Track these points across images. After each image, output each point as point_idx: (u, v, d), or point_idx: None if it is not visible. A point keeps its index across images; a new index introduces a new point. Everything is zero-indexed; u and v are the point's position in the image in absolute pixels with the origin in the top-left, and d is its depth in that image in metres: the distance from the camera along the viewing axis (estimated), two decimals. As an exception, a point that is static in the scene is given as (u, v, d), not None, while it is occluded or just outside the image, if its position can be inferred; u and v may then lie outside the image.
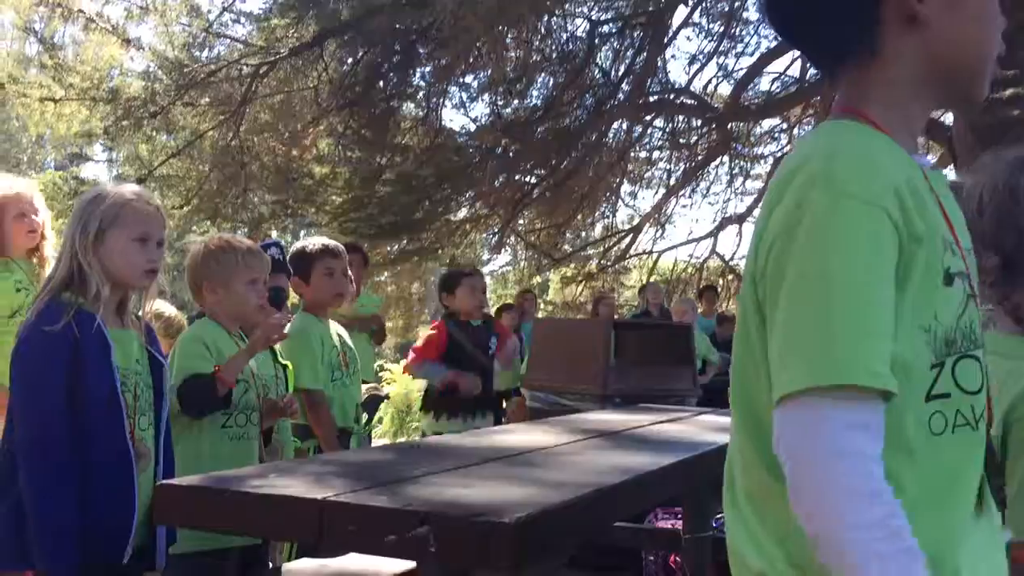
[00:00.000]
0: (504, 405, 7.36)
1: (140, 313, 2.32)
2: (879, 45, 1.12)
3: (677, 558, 3.70)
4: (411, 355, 4.57)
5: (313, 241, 3.63)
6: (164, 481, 1.81)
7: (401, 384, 10.37)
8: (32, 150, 28.53)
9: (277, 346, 2.91)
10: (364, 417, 3.48)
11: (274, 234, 10.60)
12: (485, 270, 16.27)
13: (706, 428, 3.07)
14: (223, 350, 2.60)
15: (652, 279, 13.31)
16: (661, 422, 3.20)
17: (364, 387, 3.57)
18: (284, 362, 2.94)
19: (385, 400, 9.89)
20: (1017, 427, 1.56)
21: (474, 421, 4.37)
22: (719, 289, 11.50)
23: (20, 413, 2.11)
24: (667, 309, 8.52)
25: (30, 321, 2.13)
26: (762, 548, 1.08)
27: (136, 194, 2.27)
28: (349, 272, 3.62)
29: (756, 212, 12.46)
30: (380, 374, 11.00)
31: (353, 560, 2.50)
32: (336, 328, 3.52)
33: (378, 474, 1.85)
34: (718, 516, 3.84)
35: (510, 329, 8.30)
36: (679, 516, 3.74)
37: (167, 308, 3.67)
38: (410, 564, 2.14)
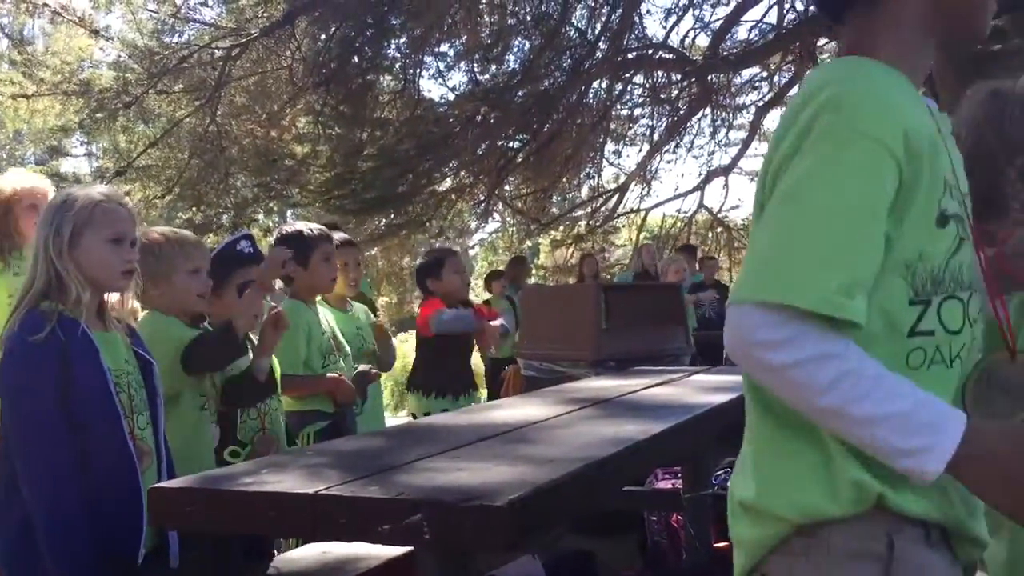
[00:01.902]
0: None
1: (120, 314, 2.31)
2: None
3: (679, 517, 3.72)
4: (425, 317, 4.41)
5: (308, 225, 3.59)
6: (155, 485, 1.80)
7: (400, 358, 10.37)
8: (11, 146, 28.28)
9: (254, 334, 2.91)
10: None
11: (260, 217, 10.54)
12: (474, 239, 16.26)
13: (699, 389, 3.08)
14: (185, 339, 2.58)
15: (642, 236, 13.33)
16: (654, 386, 3.20)
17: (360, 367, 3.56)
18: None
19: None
20: None
21: (463, 400, 4.34)
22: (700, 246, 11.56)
23: (15, 425, 2.09)
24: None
25: (13, 332, 2.10)
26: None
27: (105, 195, 2.24)
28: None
29: (741, 163, 12.50)
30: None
31: (357, 544, 2.51)
32: (325, 314, 3.50)
33: (369, 463, 1.85)
34: (717, 473, 3.86)
35: (501, 294, 8.34)
36: (679, 476, 3.76)
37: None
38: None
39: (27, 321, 2.09)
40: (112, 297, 2.28)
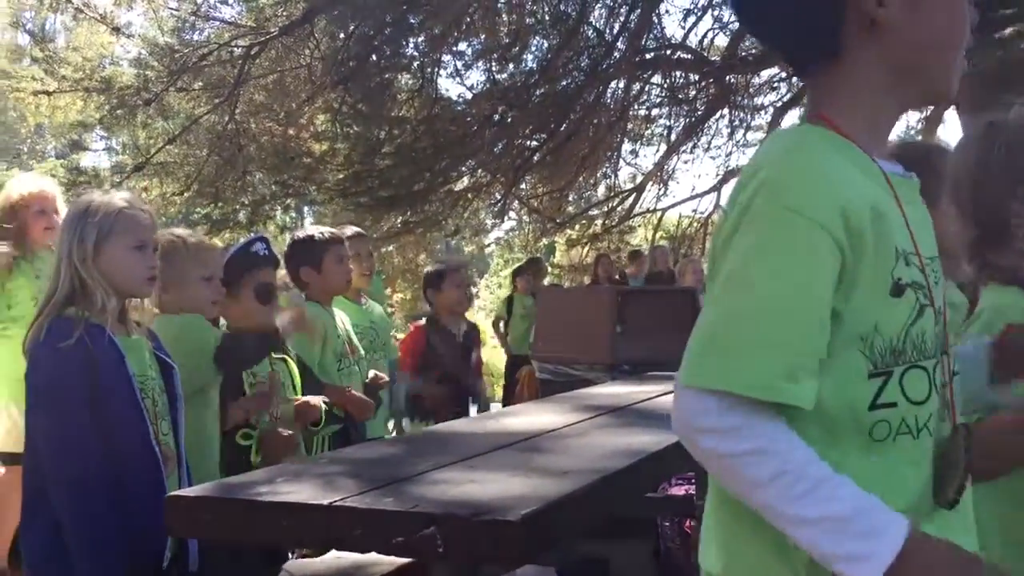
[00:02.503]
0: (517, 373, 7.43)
1: (141, 318, 2.33)
2: (841, 48, 1.11)
3: (692, 522, 3.72)
4: (406, 350, 4.42)
5: (319, 229, 3.62)
6: (171, 493, 1.82)
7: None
8: (32, 140, 28.52)
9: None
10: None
11: (278, 214, 10.58)
12: (490, 237, 16.27)
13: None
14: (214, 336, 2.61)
15: (658, 236, 13.31)
16: (668, 392, 3.20)
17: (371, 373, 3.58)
18: (279, 356, 2.94)
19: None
20: None
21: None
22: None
23: (44, 431, 2.12)
24: (673, 270, 8.52)
25: (39, 340, 2.12)
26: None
27: (127, 201, 2.26)
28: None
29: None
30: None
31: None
32: (341, 316, 3.52)
33: (384, 473, 1.86)
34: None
35: (526, 291, 8.37)
36: (692, 481, 3.75)
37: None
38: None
39: (53, 329, 2.11)
40: (133, 301, 2.31)
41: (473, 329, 4.62)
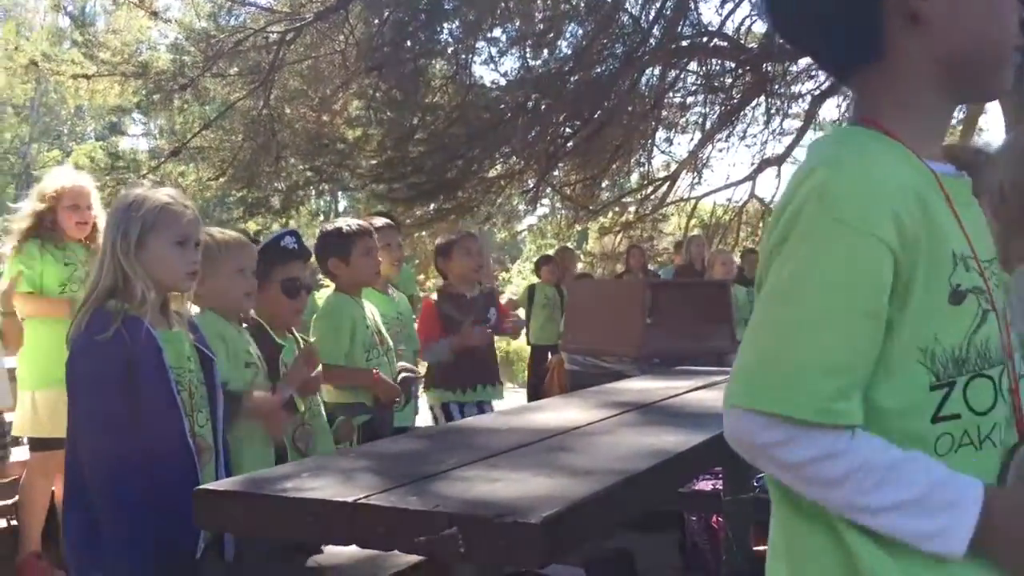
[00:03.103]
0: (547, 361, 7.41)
1: (182, 310, 2.37)
2: (884, 47, 1.08)
3: (719, 518, 3.71)
4: (422, 326, 4.34)
5: (348, 222, 3.64)
6: (200, 486, 1.85)
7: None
8: (72, 122, 28.92)
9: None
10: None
11: (312, 200, 10.64)
12: (522, 224, 16.24)
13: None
14: (227, 339, 2.62)
15: (691, 224, 13.21)
16: (697, 388, 3.19)
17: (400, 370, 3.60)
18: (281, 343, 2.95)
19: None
20: None
21: (480, 392, 4.23)
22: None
23: (81, 421, 2.17)
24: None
25: (80, 331, 2.18)
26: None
27: (172, 197, 2.31)
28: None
29: (795, 153, 12.32)
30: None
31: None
32: (370, 308, 3.54)
33: (409, 469, 1.88)
34: (759, 476, 3.84)
35: (550, 281, 8.33)
36: (720, 476, 3.74)
37: None
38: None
39: (93, 320, 2.17)
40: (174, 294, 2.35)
41: (490, 291, 4.54)
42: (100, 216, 3.82)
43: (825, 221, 0.99)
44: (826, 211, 0.99)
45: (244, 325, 2.80)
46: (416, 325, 4.33)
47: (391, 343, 3.57)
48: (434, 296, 4.45)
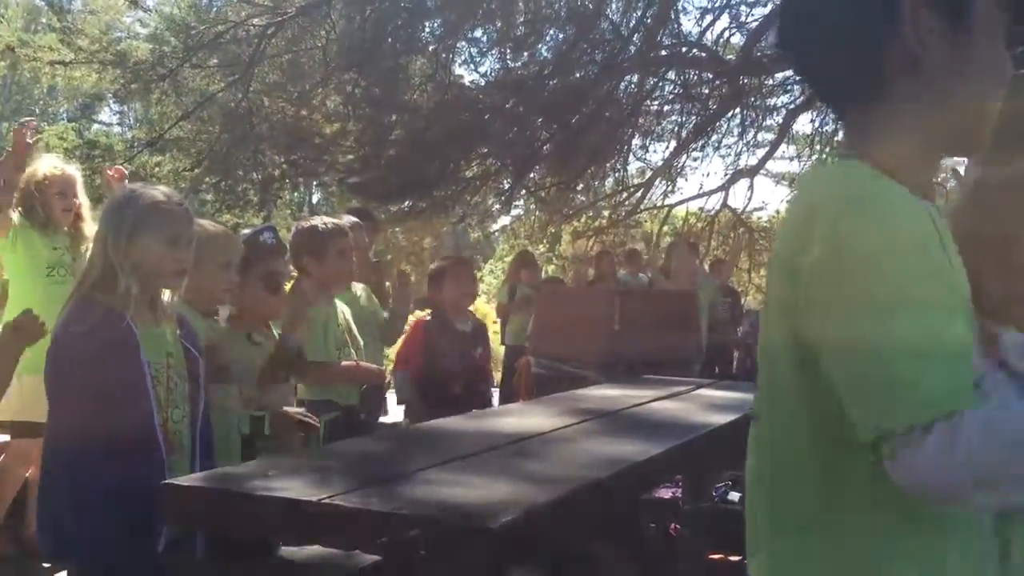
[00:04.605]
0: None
1: (170, 305, 2.40)
2: (883, 88, 1.13)
3: (677, 526, 3.78)
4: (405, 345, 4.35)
5: (324, 220, 3.66)
6: (167, 481, 1.88)
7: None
8: (44, 101, 28.57)
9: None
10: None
11: (286, 194, 10.61)
12: (496, 226, 16.27)
13: (703, 406, 3.12)
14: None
15: (663, 231, 13.31)
16: (660, 399, 3.25)
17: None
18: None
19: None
20: None
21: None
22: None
23: (54, 412, 2.24)
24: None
25: (61, 321, 2.24)
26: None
27: (166, 195, 2.36)
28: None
29: (768, 165, 12.45)
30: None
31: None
32: (341, 306, 3.58)
33: (375, 470, 1.92)
34: (718, 486, 3.91)
35: (530, 283, 8.30)
36: (679, 484, 3.81)
37: None
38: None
39: (74, 311, 2.23)
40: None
41: (480, 326, 4.54)
42: (84, 203, 3.99)
43: (885, 238, 1.01)
44: (879, 231, 1.01)
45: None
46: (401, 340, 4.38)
47: (361, 342, 3.60)
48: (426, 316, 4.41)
